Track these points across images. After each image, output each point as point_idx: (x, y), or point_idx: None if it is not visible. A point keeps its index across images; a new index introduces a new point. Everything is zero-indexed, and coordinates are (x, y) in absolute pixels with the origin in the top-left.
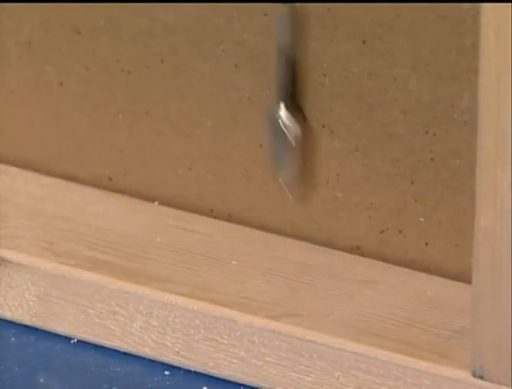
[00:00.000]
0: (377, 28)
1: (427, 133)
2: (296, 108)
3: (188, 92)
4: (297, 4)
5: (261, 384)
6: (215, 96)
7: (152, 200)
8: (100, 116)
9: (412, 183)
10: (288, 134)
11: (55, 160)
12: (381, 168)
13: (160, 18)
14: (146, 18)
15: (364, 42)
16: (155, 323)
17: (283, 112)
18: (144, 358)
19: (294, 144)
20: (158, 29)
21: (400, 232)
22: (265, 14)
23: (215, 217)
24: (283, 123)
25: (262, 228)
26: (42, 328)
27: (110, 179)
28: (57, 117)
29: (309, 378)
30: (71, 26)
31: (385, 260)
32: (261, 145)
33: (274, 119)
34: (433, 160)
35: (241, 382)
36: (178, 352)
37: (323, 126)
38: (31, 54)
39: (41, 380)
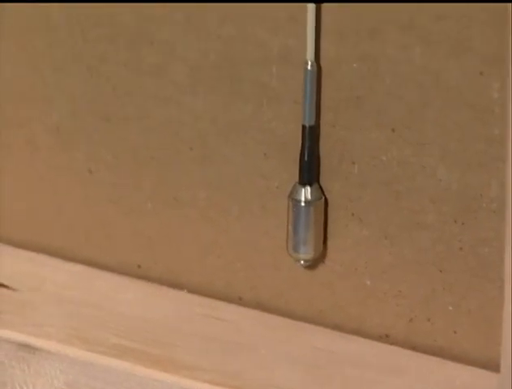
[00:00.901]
0: (406, 117)
1: (455, 222)
2: (317, 189)
3: (216, 180)
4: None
5: None
6: (244, 183)
7: (181, 287)
8: (128, 203)
9: (441, 271)
10: (310, 215)
11: (84, 247)
12: (409, 256)
13: (189, 106)
14: (174, 106)
15: (393, 130)
16: None
17: (306, 193)
18: None
19: (316, 225)
20: (187, 117)
21: (429, 320)
22: (294, 102)
23: (243, 305)
24: (306, 204)
25: (290, 315)
26: None
27: (139, 266)
28: (86, 204)
29: None
30: (100, 113)
31: (413, 348)
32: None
33: (296, 201)
34: (461, 248)
35: None
36: None
37: (352, 214)
38: (60, 141)
39: None
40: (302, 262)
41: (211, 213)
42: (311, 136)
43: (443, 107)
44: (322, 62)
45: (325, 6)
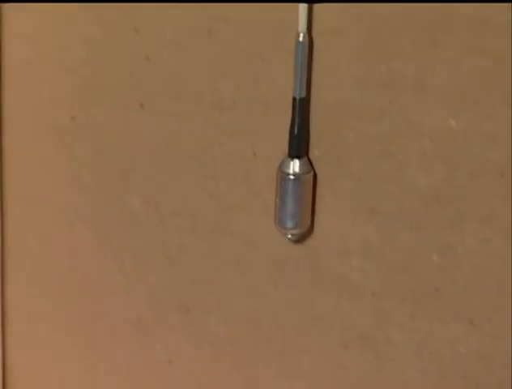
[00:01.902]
0: (485, 308)
1: None
2: (306, 163)
3: (296, 371)
4: None
5: None
6: (323, 375)
7: None
8: None
9: None
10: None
11: None
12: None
13: (270, 297)
14: (255, 296)
15: (471, 323)
16: None
17: (294, 166)
18: None
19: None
20: (267, 306)
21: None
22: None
23: None
24: (295, 177)
25: None
26: None
27: None
28: None
29: None
30: (180, 304)
31: None
32: None
33: (286, 174)
34: None
35: None
36: None
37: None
38: (140, 332)
39: None
40: (289, 236)
41: None
42: (301, 108)
43: None
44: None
45: None
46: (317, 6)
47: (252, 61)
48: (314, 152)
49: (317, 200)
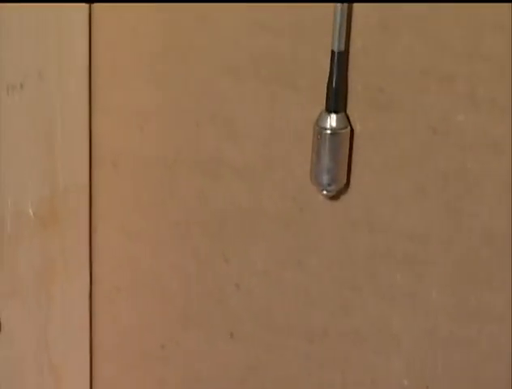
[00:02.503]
0: None
1: None
2: (343, 117)
3: None
4: None
5: None
6: None
7: None
8: None
9: None
10: (335, 144)
11: None
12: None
13: None
14: None
15: None
16: None
17: (332, 121)
18: None
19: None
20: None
21: None
22: None
23: None
24: (332, 131)
25: None
26: None
27: None
28: None
29: None
30: None
31: None
32: None
33: (323, 129)
34: None
35: None
36: None
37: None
38: None
39: None
40: (325, 192)
41: None
42: (339, 62)
43: None
44: None
45: None
46: None
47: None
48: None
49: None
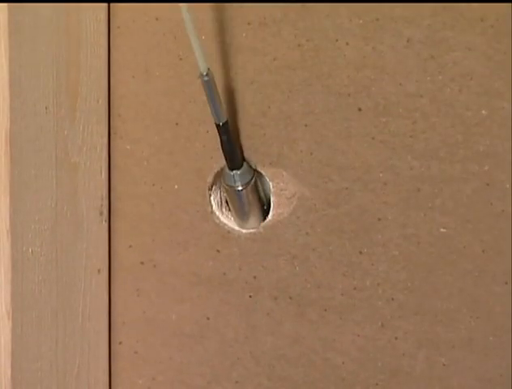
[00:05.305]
0: None
1: None
2: (244, 172)
3: None
4: None
5: None
6: None
7: None
8: None
9: None
10: (242, 196)
11: None
12: None
13: None
14: None
15: None
16: None
17: (236, 179)
18: None
19: (248, 203)
20: None
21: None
22: None
23: None
24: (238, 188)
25: None
26: None
27: None
28: None
29: None
30: None
31: None
32: None
33: (231, 187)
34: None
35: None
36: None
37: None
38: None
39: None
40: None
41: None
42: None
43: None
44: None
45: None
46: None
47: None
48: None
49: None
